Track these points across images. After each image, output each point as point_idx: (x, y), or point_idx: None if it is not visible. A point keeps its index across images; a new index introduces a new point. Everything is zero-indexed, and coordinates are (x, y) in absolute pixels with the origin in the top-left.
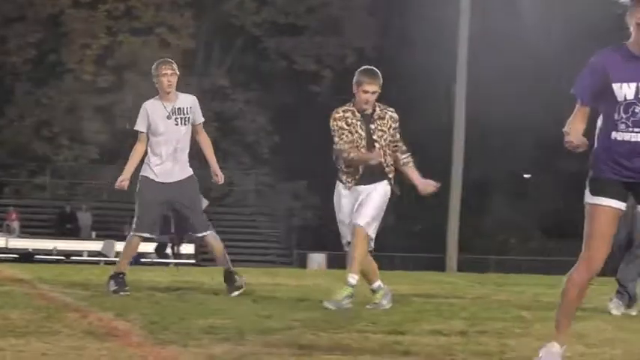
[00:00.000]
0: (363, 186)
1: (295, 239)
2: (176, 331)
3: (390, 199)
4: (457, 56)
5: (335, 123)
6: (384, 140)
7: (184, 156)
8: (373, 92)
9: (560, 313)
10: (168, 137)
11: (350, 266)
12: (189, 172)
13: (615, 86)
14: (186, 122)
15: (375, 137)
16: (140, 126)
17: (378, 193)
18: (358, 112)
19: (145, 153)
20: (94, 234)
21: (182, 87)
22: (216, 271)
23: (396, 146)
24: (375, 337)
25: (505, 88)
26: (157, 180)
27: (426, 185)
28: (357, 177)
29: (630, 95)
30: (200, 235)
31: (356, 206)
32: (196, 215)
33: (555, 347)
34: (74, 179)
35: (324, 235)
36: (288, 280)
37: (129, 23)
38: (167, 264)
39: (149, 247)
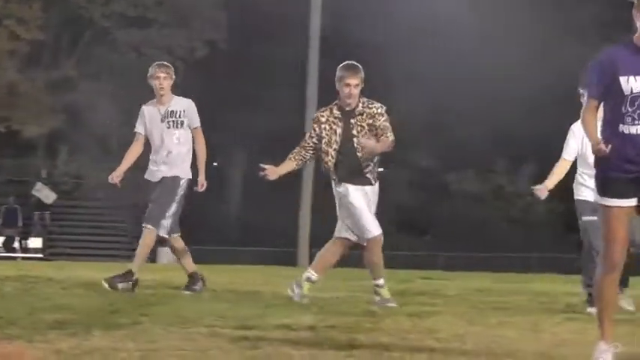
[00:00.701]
0: (362, 186)
1: None
2: (23, 326)
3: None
4: (309, 53)
5: (313, 124)
6: (363, 136)
7: (179, 159)
8: (356, 85)
9: (603, 316)
10: (161, 140)
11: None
12: (177, 172)
13: (622, 79)
14: (179, 125)
15: (354, 132)
16: (138, 127)
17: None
18: (339, 109)
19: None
20: None
21: (28, 79)
22: (66, 265)
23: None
24: (223, 332)
25: None
26: (151, 180)
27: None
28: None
29: (637, 88)
30: (143, 224)
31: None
32: (152, 206)
33: (603, 346)
34: None
35: None
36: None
37: None
38: (15, 258)
39: None
